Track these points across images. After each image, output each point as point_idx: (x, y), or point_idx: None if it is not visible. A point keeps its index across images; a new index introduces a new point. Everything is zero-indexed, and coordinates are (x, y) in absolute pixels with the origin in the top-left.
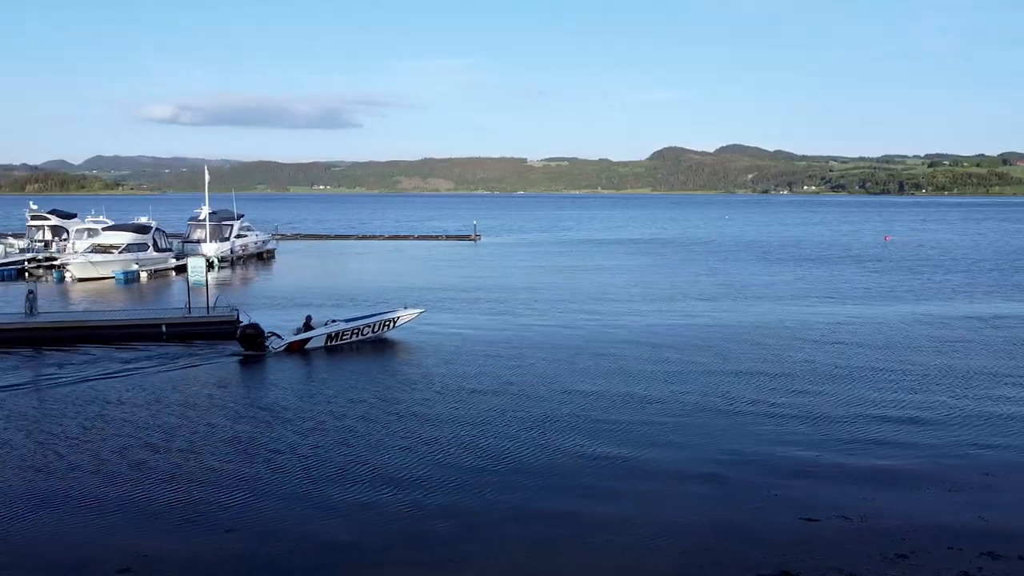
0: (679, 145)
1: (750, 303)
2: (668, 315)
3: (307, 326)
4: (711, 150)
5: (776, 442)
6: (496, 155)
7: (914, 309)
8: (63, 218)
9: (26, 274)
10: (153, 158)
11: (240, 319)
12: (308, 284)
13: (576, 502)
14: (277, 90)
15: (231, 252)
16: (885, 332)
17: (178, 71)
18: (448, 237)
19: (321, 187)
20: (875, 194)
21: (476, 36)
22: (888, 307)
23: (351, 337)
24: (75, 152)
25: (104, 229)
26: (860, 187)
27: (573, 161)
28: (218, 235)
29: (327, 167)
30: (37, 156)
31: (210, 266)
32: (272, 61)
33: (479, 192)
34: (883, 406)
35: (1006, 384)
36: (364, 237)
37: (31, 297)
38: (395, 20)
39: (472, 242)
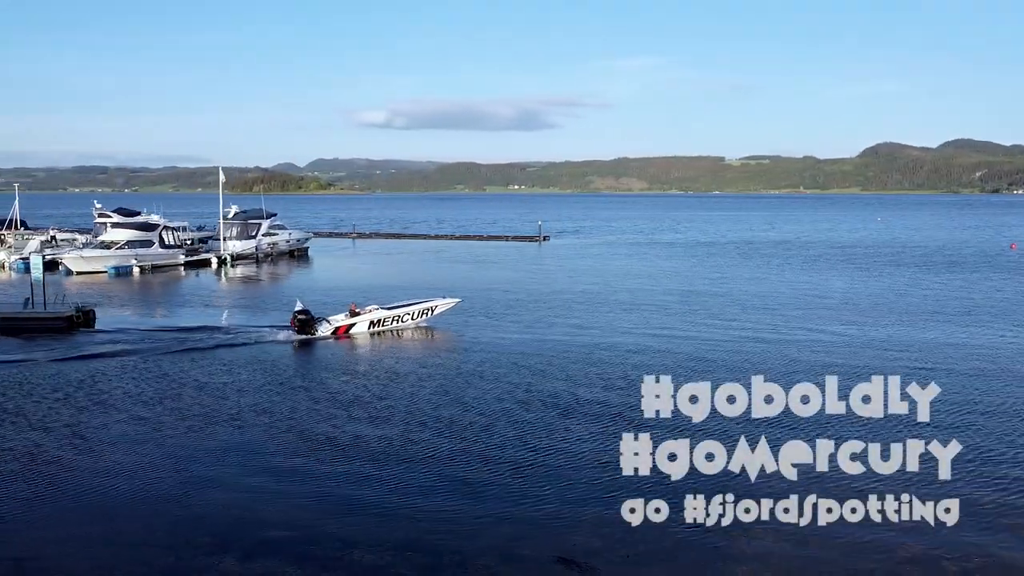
0: (895, 141)
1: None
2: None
3: (352, 312)
4: (933, 145)
5: None
6: (693, 154)
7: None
8: (126, 216)
9: (58, 267)
10: (367, 160)
11: (95, 316)
12: (316, 283)
13: None
14: (480, 94)
15: (256, 249)
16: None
17: (391, 79)
18: (514, 238)
19: (516, 187)
20: None
21: (674, 34)
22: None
23: (392, 323)
24: (301, 155)
25: (112, 226)
26: None
27: (775, 159)
28: (244, 233)
29: (523, 167)
30: (269, 159)
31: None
32: (476, 66)
33: (672, 192)
34: None
35: None
36: (437, 237)
37: None
38: (592, 21)
39: (537, 243)
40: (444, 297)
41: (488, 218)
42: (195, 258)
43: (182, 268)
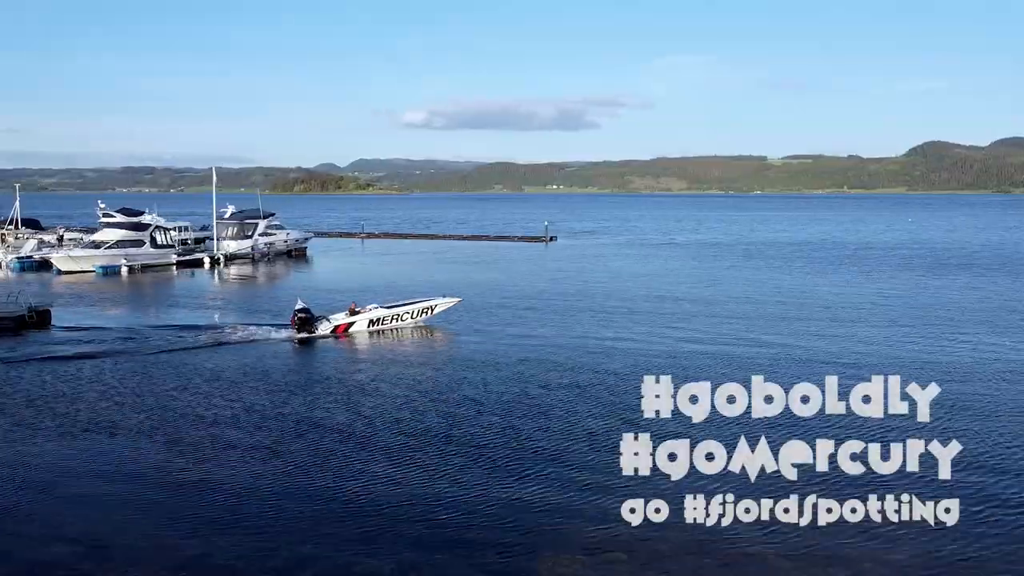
0: (943, 139)
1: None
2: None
3: (352, 311)
4: (983, 144)
5: None
6: (734, 153)
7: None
8: (129, 216)
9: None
10: (406, 160)
11: (50, 316)
12: (310, 283)
13: None
14: (520, 93)
15: (252, 249)
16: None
17: (432, 78)
18: (520, 238)
19: (554, 187)
20: None
21: (716, 32)
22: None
23: (391, 322)
24: (342, 155)
25: (107, 226)
26: None
27: (818, 158)
28: (241, 233)
29: (561, 167)
30: (311, 160)
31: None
32: (516, 66)
33: (712, 192)
34: None
35: None
36: (445, 237)
37: None
38: (633, 19)
39: (543, 244)
40: (444, 296)
41: (511, 218)
42: (187, 258)
43: (174, 268)
